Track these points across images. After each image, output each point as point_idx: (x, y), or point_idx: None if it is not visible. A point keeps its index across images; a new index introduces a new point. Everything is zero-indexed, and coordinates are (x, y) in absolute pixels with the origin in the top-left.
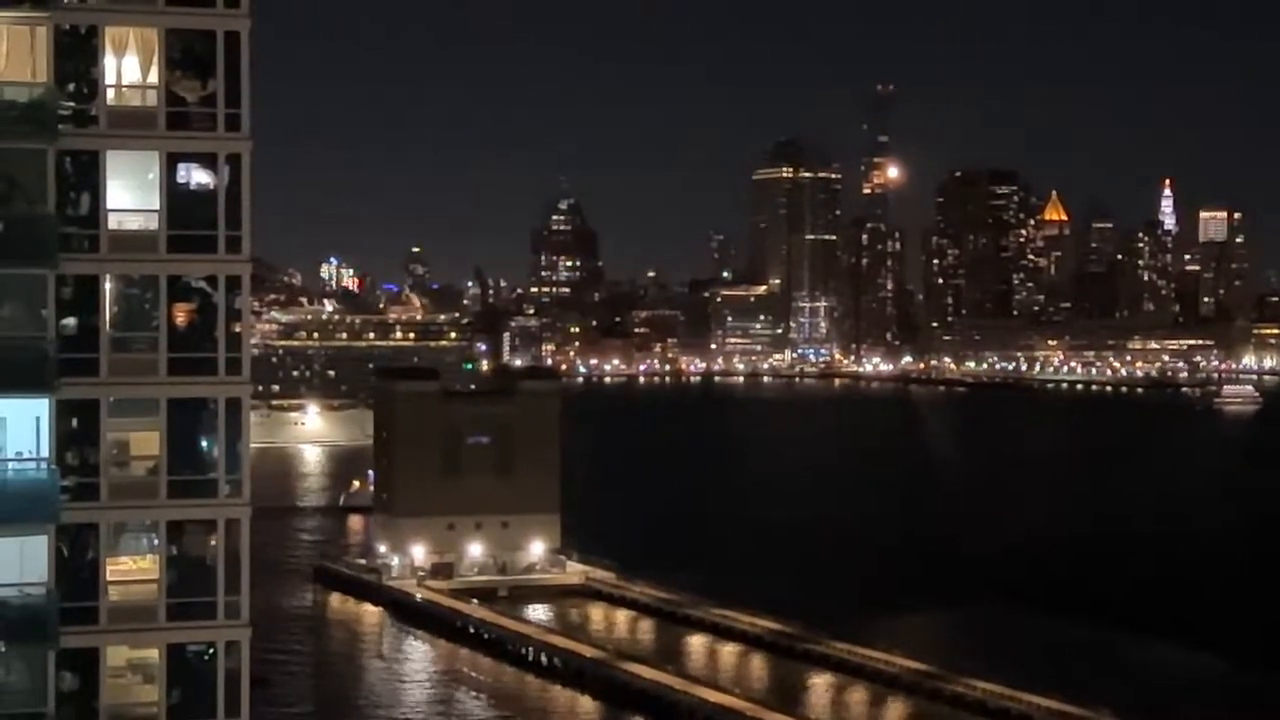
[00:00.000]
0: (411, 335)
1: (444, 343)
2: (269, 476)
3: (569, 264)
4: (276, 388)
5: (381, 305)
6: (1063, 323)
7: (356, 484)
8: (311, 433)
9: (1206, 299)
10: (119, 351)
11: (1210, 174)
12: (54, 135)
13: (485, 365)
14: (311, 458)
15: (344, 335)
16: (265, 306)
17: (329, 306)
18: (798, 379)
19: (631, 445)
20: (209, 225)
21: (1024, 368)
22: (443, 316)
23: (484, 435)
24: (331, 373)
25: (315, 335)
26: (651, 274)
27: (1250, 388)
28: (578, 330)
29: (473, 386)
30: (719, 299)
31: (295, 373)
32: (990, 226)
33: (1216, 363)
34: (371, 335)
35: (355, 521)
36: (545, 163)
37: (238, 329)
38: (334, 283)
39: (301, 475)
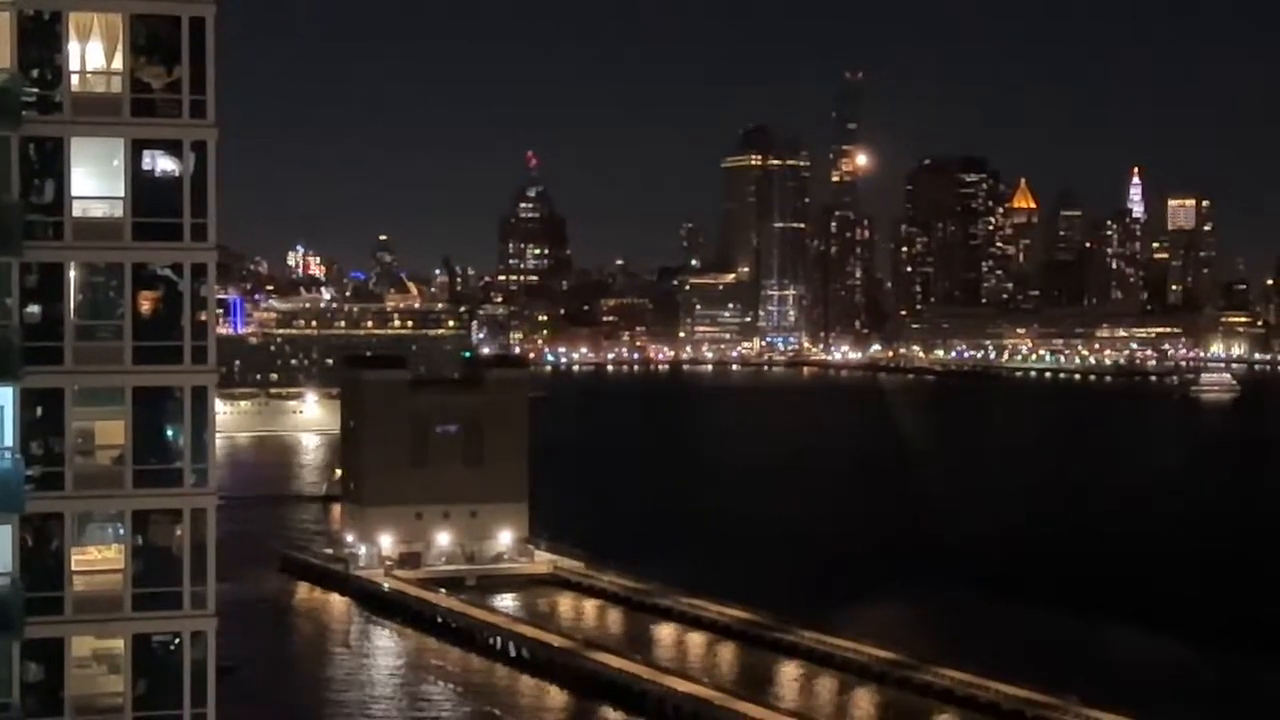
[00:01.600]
0: (410, 324)
1: (442, 331)
2: (262, 465)
3: (537, 252)
4: (275, 376)
5: (348, 294)
6: (1031, 311)
7: (339, 472)
8: (309, 421)
9: (1175, 287)
10: (84, 340)
11: (1178, 162)
12: (17, 122)
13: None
14: (309, 446)
15: (342, 324)
16: (259, 295)
17: (327, 295)
18: (766, 367)
19: (600, 434)
20: (174, 213)
21: (993, 356)
22: (441, 305)
23: (452, 424)
24: (329, 361)
25: (313, 324)
26: (620, 262)
27: (1228, 376)
28: (546, 318)
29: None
30: (688, 287)
31: (293, 361)
32: (959, 215)
33: (1184, 351)
34: (370, 324)
35: (337, 510)
36: (513, 151)
37: (203, 317)
38: (300, 270)
39: (295, 464)
